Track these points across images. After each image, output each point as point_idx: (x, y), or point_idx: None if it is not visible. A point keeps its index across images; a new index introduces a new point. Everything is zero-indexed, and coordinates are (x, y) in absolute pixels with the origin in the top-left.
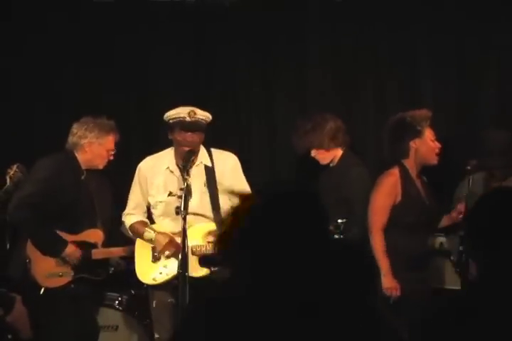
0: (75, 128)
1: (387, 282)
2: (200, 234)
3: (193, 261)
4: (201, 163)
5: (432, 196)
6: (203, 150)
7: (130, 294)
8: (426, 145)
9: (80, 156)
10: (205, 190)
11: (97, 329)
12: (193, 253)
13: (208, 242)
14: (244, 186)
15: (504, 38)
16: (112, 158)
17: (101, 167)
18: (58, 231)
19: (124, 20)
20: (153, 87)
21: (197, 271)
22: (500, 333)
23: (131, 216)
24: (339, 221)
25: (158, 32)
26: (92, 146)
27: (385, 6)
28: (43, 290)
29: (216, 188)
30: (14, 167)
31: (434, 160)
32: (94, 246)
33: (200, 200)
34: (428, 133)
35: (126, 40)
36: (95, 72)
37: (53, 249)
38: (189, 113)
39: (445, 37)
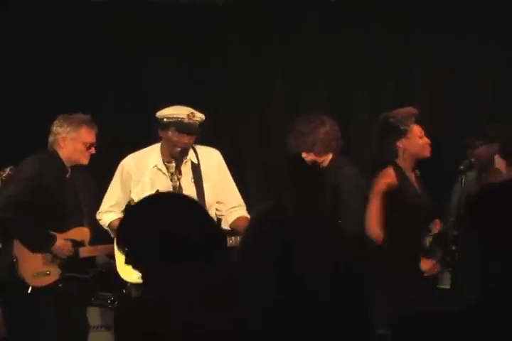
0: (52, 126)
1: (423, 264)
2: None
3: None
4: (189, 160)
5: (427, 192)
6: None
7: (122, 293)
8: (414, 144)
9: (60, 153)
10: (193, 186)
11: (86, 328)
12: None
13: None
14: (229, 182)
15: (502, 37)
16: (93, 151)
17: (85, 162)
18: None
19: (122, 20)
20: (147, 86)
21: None
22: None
23: (109, 213)
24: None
25: (153, 31)
26: (66, 141)
27: (383, 6)
28: (30, 289)
29: (202, 185)
30: (7, 169)
31: (426, 153)
32: (81, 244)
33: None
34: (415, 131)
35: (123, 39)
36: (91, 72)
37: (42, 244)
38: (188, 115)
39: (442, 37)
